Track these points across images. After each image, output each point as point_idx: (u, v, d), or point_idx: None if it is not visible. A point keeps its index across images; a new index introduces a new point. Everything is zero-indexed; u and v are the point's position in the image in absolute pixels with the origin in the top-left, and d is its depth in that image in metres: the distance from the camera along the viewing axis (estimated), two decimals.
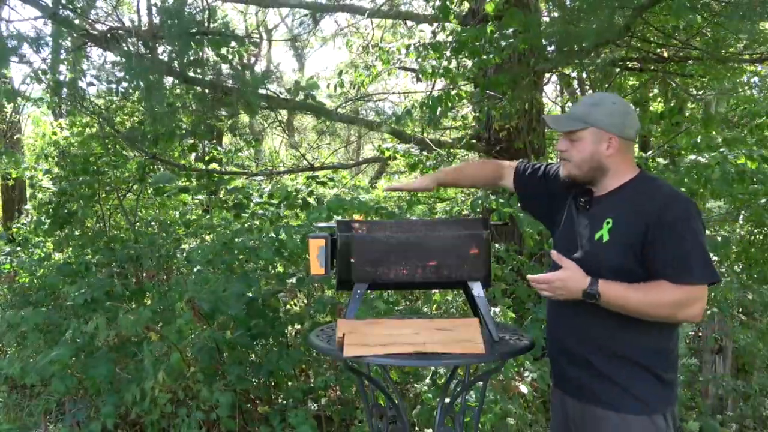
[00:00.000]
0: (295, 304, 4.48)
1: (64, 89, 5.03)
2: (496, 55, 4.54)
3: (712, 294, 3.87)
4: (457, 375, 2.38)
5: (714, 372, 4.00)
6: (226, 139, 9.90)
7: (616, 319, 1.74)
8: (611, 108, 1.82)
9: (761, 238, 5.21)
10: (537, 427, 3.35)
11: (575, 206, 1.93)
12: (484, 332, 1.94)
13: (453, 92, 4.91)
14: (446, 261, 2.02)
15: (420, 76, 5.21)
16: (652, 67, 5.88)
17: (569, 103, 7.47)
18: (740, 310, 4.39)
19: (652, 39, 5.62)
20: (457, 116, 6.36)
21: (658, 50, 5.73)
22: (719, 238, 4.01)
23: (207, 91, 4.61)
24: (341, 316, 2.12)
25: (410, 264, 2.02)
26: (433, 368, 3.40)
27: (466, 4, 5.85)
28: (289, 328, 3.95)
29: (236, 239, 3.89)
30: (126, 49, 4.31)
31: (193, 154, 5.42)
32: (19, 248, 5.55)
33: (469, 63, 5.12)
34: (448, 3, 4.74)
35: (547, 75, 6.21)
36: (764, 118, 4.52)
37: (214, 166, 5.38)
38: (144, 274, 4.73)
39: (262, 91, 4.82)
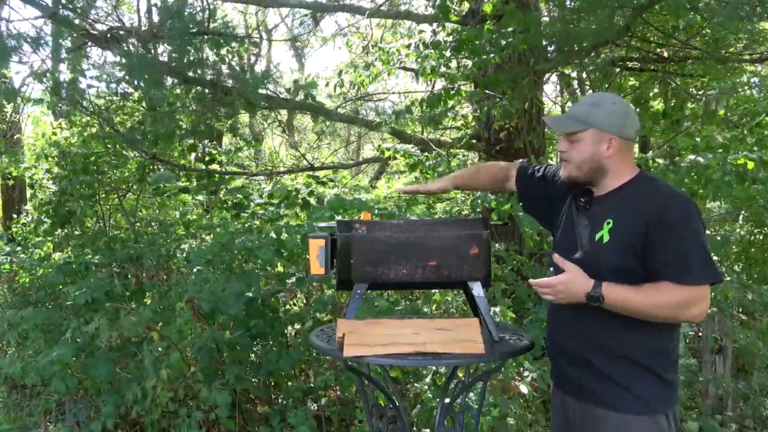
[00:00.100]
0: (295, 304, 4.48)
1: (64, 90, 5.03)
2: (496, 54, 4.55)
3: (713, 294, 3.87)
4: (457, 375, 2.38)
5: (714, 372, 4.00)
6: (226, 139, 9.90)
7: (619, 320, 1.74)
8: (611, 108, 1.81)
9: (761, 238, 5.22)
10: (537, 427, 3.35)
11: (575, 206, 1.93)
12: (484, 332, 1.95)
13: (452, 91, 4.91)
14: (446, 261, 2.02)
15: (420, 76, 5.20)
16: (652, 67, 5.88)
17: (569, 103, 7.47)
18: (740, 310, 4.38)
19: (652, 39, 5.62)
20: (457, 116, 6.35)
21: (658, 50, 5.73)
22: (719, 238, 4.01)
23: (207, 91, 4.61)
24: (342, 315, 2.12)
25: (410, 264, 2.02)
26: (433, 368, 3.40)
27: (466, 4, 5.85)
28: (289, 328, 3.95)
29: (235, 240, 3.89)
30: (126, 49, 4.31)
31: (193, 154, 5.41)
32: (19, 248, 5.55)
33: (469, 63, 5.12)
34: (447, 2, 4.74)
35: (547, 75, 6.22)
36: (764, 116, 4.52)
37: (215, 166, 5.38)
38: (144, 274, 4.73)
39: (262, 91, 4.82)
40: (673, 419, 1.79)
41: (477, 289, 2.03)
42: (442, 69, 5.06)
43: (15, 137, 9.32)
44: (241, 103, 4.63)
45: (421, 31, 6.00)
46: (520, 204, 2.32)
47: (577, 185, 1.92)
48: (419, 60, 5.24)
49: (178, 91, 4.76)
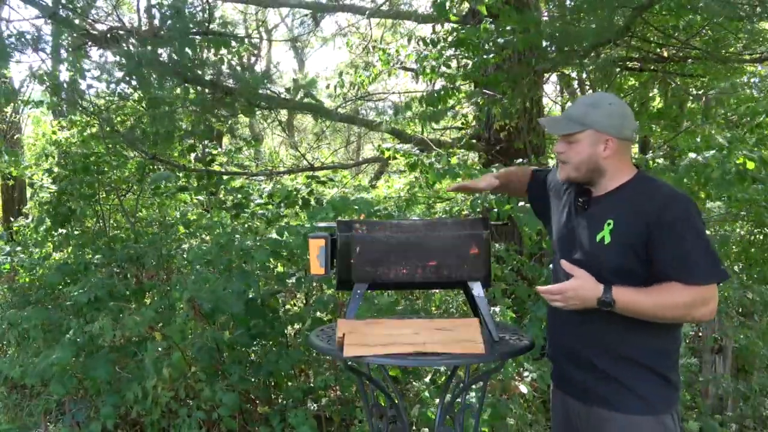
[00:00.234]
0: (295, 304, 4.48)
1: (64, 90, 5.03)
2: (496, 53, 4.55)
3: None
4: (457, 375, 2.38)
5: (714, 372, 4.00)
6: (226, 139, 9.91)
7: (625, 322, 1.73)
8: (608, 109, 1.81)
9: (761, 238, 5.22)
10: (537, 427, 3.35)
11: (574, 207, 1.93)
12: (484, 332, 1.94)
13: (452, 89, 4.91)
14: (446, 261, 2.02)
15: (419, 75, 5.21)
16: (652, 67, 5.88)
17: (569, 103, 7.46)
18: (740, 310, 4.38)
19: (652, 39, 5.62)
20: (457, 116, 6.35)
21: (658, 50, 5.73)
22: (719, 238, 4.01)
23: (207, 91, 4.61)
24: (342, 314, 2.12)
25: (410, 264, 2.02)
26: (433, 368, 3.40)
27: (466, 4, 5.85)
28: (289, 328, 3.95)
29: (234, 240, 3.89)
30: (126, 49, 4.31)
31: (193, 155, 5.42)
32: (19, 248, 5.55)
33: (468, 63, 5.12)
34: (446, 1, 4.74)
35: (546, 75, 6.22)
36: (764, 116, 4.52)
37: (216, 167, 5.39)
38: (144, 274, 4.73)
39: (262, 91, 4.82)
40: (677, 417, 1.79)
41: (477, 289, 2.03)
42: (442, 69, 5.06)
43: (15, 137, 9.33)
44: (241, 104, 4.63)
45: (420, 33, 6.01)
46: (527, 205, 2.30)
47: (575, 184, 1.92)
48: (419, 60, 5.24)
49: (178, 91, 4.76)
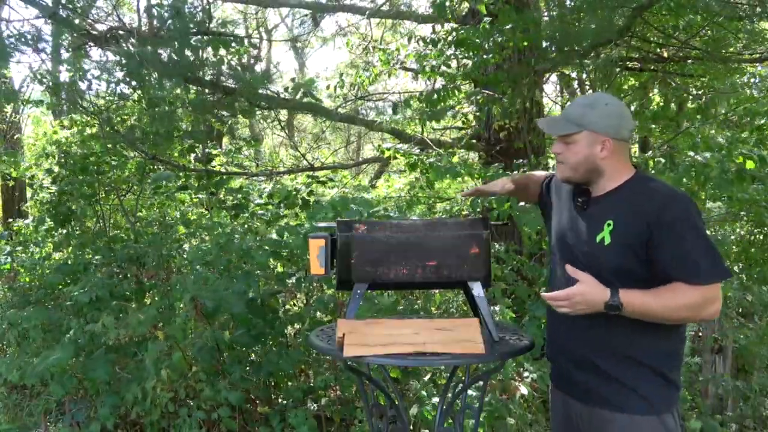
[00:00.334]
0: (295, 304, 4.48)
1: (64, 90, 5.03)
2: (495, 53, 4.55)
3: None
4: (457, 375, 2.38)
5: (714, 372, 4.00)
6: (226, 139, 9.91)
7: (634, 325, 1.73)
8: (605, 110, 1.81)
9: (761, 238, 5.21)
10: (537, 427, 3.35)
11: (573, 207, 1.93)
12: (484, 332, 1.94)
13: (451, 88, 4.91)
14: (446, 261, 2.02)
15: (419, 74, 5.21)
16: (652, 67, 5.88)
17: (569, 103, 7.46)
18: (740, 310, 4.38)
19: (652, 39, 5.62)
20: (458, 116, 6.35)
21: (658, 50, 5.73)
22: (719, 238, 4.01)
23: (207, 91, 4.61)
24: (342, 314, 2.12)
25: (410, 264, 2.02)
26: (433, 368, 3.40)
27: (466, 4, 5.85)
28: (289, 328, 3.95)
29: (233, 241, 3.89)
30: (126, 49, 4.31)
31: (192, 155, 5.42)
32: (19, 248, 5.55)
33: (468, 63, 5.13)
34: (444, 0, 4.74)
35: (546, 75, 6.22)
36: (765, 119, 4.51)
37: (217, 167, 5.39)
38: (144, 274, 4.73)
39: (262, 91, 4.82)
40: (677, 417, 1.79)
41: (477, 289, 2.03)
42: (442, 68, 5.06)
43: (15, 137, 9.33)
44: (242, 104, 4.63)
45: (419, 35, 6.02)
46: (527, 205, 2.30)
47: (574, 184, 1.92)
48: (418, 59, 5.24)
49: (178, 91, 4.77)
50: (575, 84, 7.54)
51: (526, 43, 4.56)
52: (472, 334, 1.88)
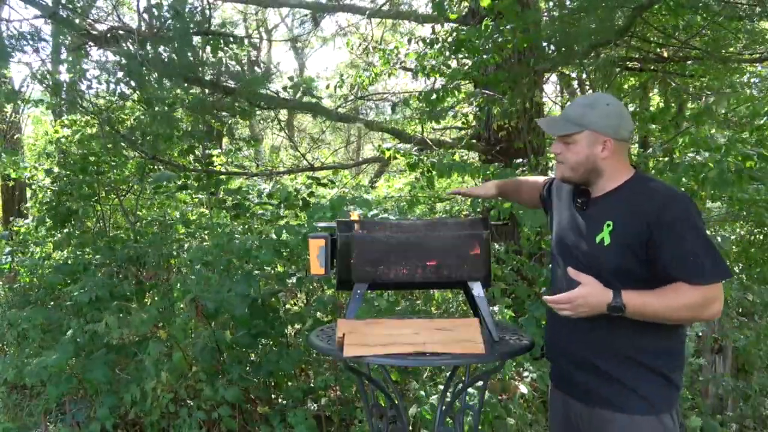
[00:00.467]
0: (295, 304, 4.48)
1: (64, 90, 5.03)
2: (495, 53, 4.55)
3: None
4: (457, 375, 2.38)
5: (714, 372, 4.00)
6: (226, 139, 9.91)
7: (636, 326, 1.73)
8: (606, 110, 1.81)
9: (761, 238, 5.21)
10: (537, 427, 3.35)
11: (573, 208, 1.93)
12: (484, 332, 1.94)
13: (451, 87, 4.91)
14: (446, 261, 2.02)
15: (418, 73, 5.21)
16: (652, 67, 5.88)
17: (569, 103, 7.46)
18: (740, 311, 4.38)
19: (652, 39, 5.62)
20: (458, 116, 6.35)
21: (658, 50, 5.73)
22: (719, 239, 4.00)
23: (207, 91, 4.61)
24: (342, 314, 2.12)
25: (410, 264, 2.02)
26: (433, 368, 3.40)
27: (466, 4, 5.85)
28: (289, 328, 3.95)
29: (234, 240, 3.89)
30: (126, 49, 4.31)
31: (191, 156, 5.42)
32: (19, 248, 5.55)
33: (468, 63, 5.13)
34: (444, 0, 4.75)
35: (546, 75, 6.22)
36: (765, 119, 4.51)
37: (217, 167, 5.39)
38: (144, 274, 4.73)
39: (262, 91, 4.82)
40: (676, 417, 1.79)
41: (477, 289, 2.03)
42: (442, 68, 5.06)
43: (15, 137, 9.33)
44: (241, 104, 4.63)
45: (419, 35, 6.02)
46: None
47: (574, 185, 1.92)
48: (418, 59, 5.24)
49: (178, 91, 4.76)
50: (575, 84, 7.54)
51: (526, 45, 4.56)
52: (472, 334, 1.88)
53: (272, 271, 4.10)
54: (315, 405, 3.83)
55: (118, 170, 5.43)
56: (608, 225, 1.78)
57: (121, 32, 4.61)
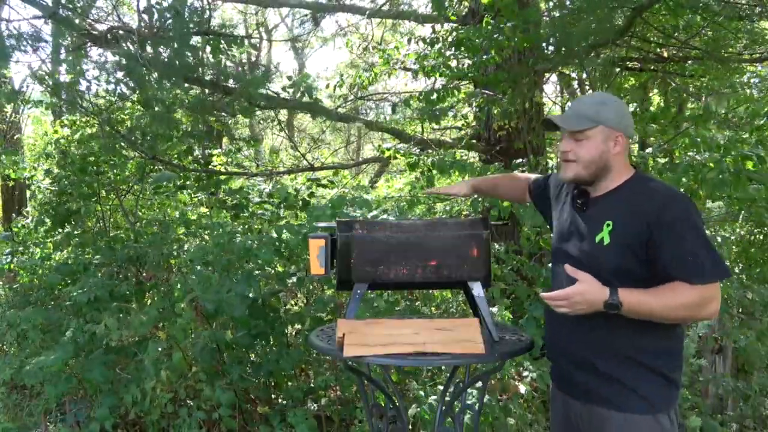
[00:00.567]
0: (295, 304, 4.48)
1: (64, 90, 5.03)
2: (495, 53, 4.55)
3: None
4: (457, 375, 2.38)
5: (714, 372, 4.00)
6: (226, 139, 9.91)
7: (635, 326, 1.73)
8: (617, 106, 1.83)
9: (761, 238, 5.21)
10: (537, 427, 3.35)
11: (572, 208, 1.93)
12: (484, 332, 1.94)
13: (451, 87, 4.92)
14: (446, 261, 2.02)
15: (418, 72, 5.21)
16: (652, 67, 5.89)
17: (569, 103, 7.46)
18: (740, 310, 4.38)
19: (652, 39, 5.62)
20: (458, 116, 6.36)
21: (658, 50, 5.73)
22: (719, 239, 4.01)
23: (207, 91, 4.61)
24: (342, 314, 2.12)
25: (410, 264, 2.02)
26: (432, 368, 3.40)
27: (466, 4, 5.86)
28: (289, 328, 3.95)
29: (234, 240, 3.89)
30: (126, 49, 4.31)
31: (190, 157, 5.42)
32: (19, 248, 5.55)
33: (468, 63, 5.13)
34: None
35: (547, 75, 6.22)
36: (765, 119, 4.51)
37: (218, 167, 5.39)
38: (144, 274, 4.73)
39: (261, 91, 4.82)
40: (675, 417, 1.80)
41: (477, 289, 2.03)
42: (442, 68, 5.06)
43: (15, 137, 9.33)
44: (241, 104, 4.63)
45: (419, 35, 6.02)
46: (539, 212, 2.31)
47: (574, 185, 1.93)
48: (418, 59, 5.25)
49: (178, 91, 4.76)
50: (575, 84, 7.54)
51: (526, 45, 4.56)
52: (472, 334, 1.88)
53: (272, 271, 4.10)
54: (315, 405, 3.83)
55: (118, 170, 5.43)
56: (608, 225, 1.78)
57: (121, 32, 4.61)
